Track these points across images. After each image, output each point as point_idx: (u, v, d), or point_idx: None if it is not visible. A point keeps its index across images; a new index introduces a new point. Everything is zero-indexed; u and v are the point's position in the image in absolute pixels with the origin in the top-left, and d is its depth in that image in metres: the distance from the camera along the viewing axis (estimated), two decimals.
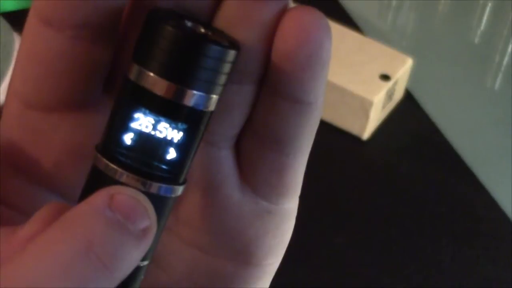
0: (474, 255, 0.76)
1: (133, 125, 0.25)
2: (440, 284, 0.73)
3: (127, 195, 0.24)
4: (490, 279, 0.74)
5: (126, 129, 0.25)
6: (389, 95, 0.84)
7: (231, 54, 0.24)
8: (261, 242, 0.29)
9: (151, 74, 0.24)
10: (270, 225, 0.29)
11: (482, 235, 0.78)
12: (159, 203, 0.25)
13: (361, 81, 0.82)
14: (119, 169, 0.25)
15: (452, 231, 0.78)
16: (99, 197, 0.24)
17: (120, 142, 0.25)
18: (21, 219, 0.26)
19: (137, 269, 0.26)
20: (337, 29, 0.87)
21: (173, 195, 0.25)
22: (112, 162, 0.25)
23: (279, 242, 0.29)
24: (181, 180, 0.26)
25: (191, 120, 0.25)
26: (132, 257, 0.24)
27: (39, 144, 0.27)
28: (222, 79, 0.25)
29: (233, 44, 0.25)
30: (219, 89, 0.25)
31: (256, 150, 0.27)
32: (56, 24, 0.25)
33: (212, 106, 0.25)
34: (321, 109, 0.27)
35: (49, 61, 0.26)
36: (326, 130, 0.83)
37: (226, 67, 0.24)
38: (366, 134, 0.84)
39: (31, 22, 0.26)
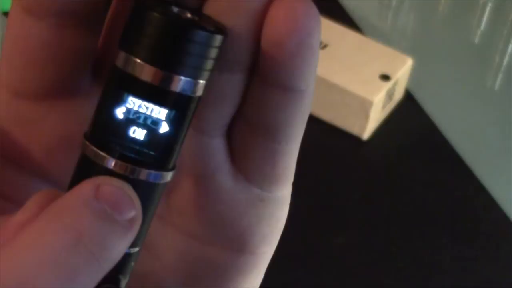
0: (474, 255, 0.76)
1: (121, 112, 0.24)
2: (440, 284, 0.73)
3: (112, 186, 0.24)
4: (490, 279, 0.74)
5: (114, 116, 0.25)
6: (389, 95, 0.84)
7: (217, 39, 0.24)
8: (255, 230, 0.29)
9: (138, 60, 0.24)
10: (264, 213, 0.29)
11: (482, 235, 0.78)
12: (149, 189, 0.25)
13: (361, 81, 0.82)
14: (108, 156, 0.25)
15: (452, 231, 0.78)
16: (85, 188, 0.24)
17: (108, 129, 0.25)
18: (14, 209, 0.26)
19: (127, 256, 0.26)
20: (337, 29, 0.87)
21: (162, 181, 0.25)
22: (101, 150, 0.25)
23: (273, 230, 0.29)
24: (171, 166, 0.26)
25: (178, 106, 0.25)
26: (120, 247, 0.24)
27: (29, 133, 0.27)
28: (209, 64, 0.25)
29: (220, 29, 0.25)
30: (206, 74, 0.25)
31: (248, 138, 0.27)
32: (38, 12, 0.25)
33: (199, 92, 0.25)
34: (312, 96, 0.27)
35: (32, 49, 0.26)
36: (326, 130, 0.83)
37: (213, 52, 0.24)
38: (366, 134, 0.84)
39: (14, 11, 0.26)
